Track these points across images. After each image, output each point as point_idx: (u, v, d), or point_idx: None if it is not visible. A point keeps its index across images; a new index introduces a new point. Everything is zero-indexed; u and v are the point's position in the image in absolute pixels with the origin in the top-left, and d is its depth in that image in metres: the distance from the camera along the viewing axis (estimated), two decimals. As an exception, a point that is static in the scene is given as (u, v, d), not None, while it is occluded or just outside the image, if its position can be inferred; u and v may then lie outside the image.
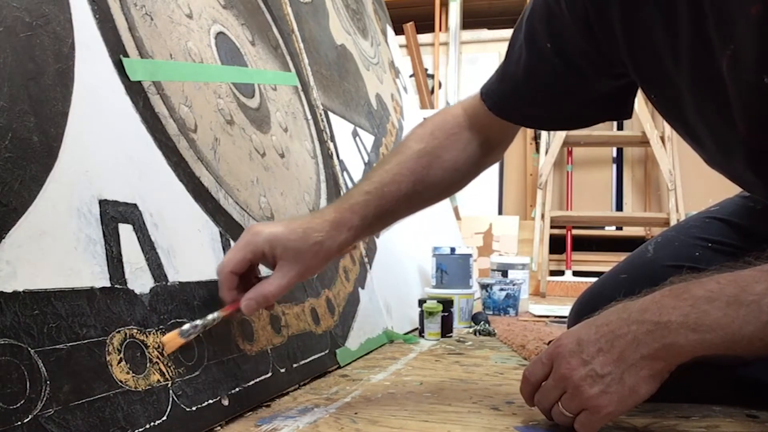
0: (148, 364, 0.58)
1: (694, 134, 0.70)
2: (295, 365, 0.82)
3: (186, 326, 0.63)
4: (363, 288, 1.16)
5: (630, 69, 0.69)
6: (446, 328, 1.29)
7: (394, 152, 0.79)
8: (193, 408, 0.61)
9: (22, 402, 0.45)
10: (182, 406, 0.60)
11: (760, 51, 0.56)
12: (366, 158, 1.44)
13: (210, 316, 0.66)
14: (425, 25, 3.29)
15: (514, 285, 1.69)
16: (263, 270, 0.74)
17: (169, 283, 0.65)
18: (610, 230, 2.97)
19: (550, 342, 0.63)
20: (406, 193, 0.76)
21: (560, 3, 0.70)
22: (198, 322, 0.64)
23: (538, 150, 2.94)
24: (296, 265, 0.69)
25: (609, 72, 0.72)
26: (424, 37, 3.29)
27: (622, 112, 0.78)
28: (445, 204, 2.20)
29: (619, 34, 0.67)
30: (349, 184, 1.28)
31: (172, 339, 0.62)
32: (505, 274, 2.17)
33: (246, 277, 0.70)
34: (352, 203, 0.74)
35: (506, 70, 0.78)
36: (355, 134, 1.42)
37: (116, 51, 0.68)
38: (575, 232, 2.86)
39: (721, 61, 0.59)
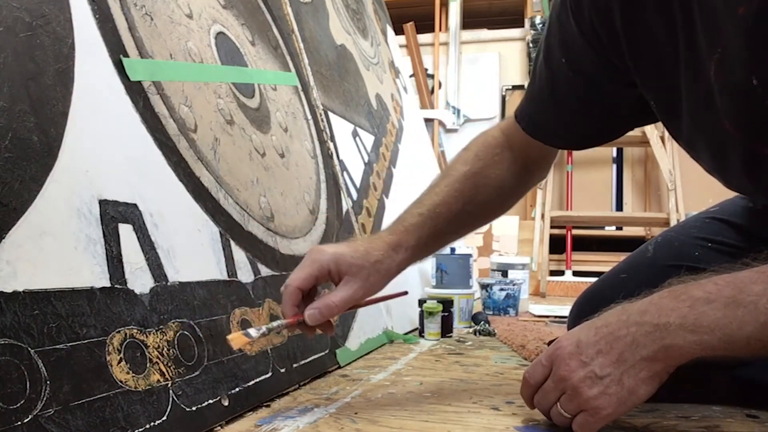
0: (148, 364, 0.58)
1: (691, 142, 0.69)
2: (295, 365, 0.82)
3: (252, 330, 0.65)
4: (363, 288, 1.16)
5: (635, 76, 0.69)
6: (446, 328, 1.29)
7: (442, 176, 0.82)
8: (193, 408, 0.61)
9: (22, 402, 0.45)
10: (182, 406, 0.60)
11: (748, 51, 0.55)
12: (366, 158, 1.44)
13: (275, 323, 0.68)
14: (425, 25, 3.28)
15: (514, 285, 1.69)
16: None
17: (169, 283, 0.65)
18: (610, 230, 2.97)
19: (550, 342, 0.63)
20: (457, 214, 0.79)
21: (569, 17, 0.70)
22: (263, 327, 0.67)
23: (538, 150, 2.93)
24: (359, 281, 0.71)
25: (624, 81, 0.71)
26: (424, 37, 3.29)
27: (651, 118, 0.77)
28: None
29: (623, 42, 0.67)
30: (349, 184, 1.28)
31: (238, 337, 0.64)
32: (505, 274, 2.17)
33: (308, 297, 0.72)
34: (406, 225, 0.77)
35: (532, 90, 0.80)
36: (355, 134, 1.42)
37: (116, 51, 0.68)
38: (575, 232, 2.86)
39: (709, 66, 0.59)
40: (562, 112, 0.77)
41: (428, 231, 0.77)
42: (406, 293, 0.84)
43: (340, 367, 0.95)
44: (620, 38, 0.67)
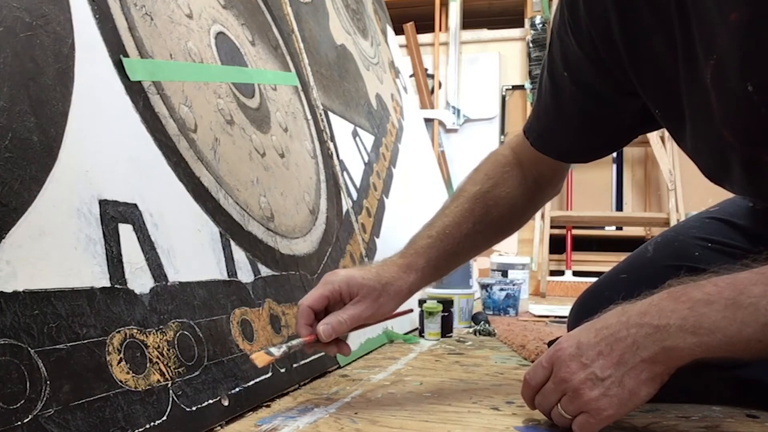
0: (148, 364, 0.58)
1: (695, 150, 0.69)
2: (295, 365, 0.82)
3: (273, 348, 0.68)
4: (363, 288, 1.16)
5: (636, 86, 0.69)
6: (446, 328, 1.29)
7: (454, 197, 0.83)
8: (193, 408, 0.61)
9: (22, 402, 0.45)
10: (182, 406, 0.60)
11: (742, 57, 0.55)
12: (366, 158, 1.44)
13: (295, 341, 0.70)
14: (425, 25, 3.28)
15: (514, 285, 1.69)
16: None
17: (169, 283, 0.65)
18: (610, 230, 2.97)
19: (550, 342, 0.63)
20: (467, 234, 0.80)
21: (567, 30, 0.71)
22: (284, 345, 0.69)
23: (538, 150, 2.93)
24: (368, 301, 0.74)
25: (625, 91, 0.72)
26: (424, 37, 3.29)
27: (657, 124, 0.76)
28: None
29: (622, 53, 0.67)
30: (349, 184, 1.28)
31: (261, 356, 0.66)
32: (505, 274, 2.17)
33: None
34: (417, 248, 0.79)
35: (538, 105, 0.81)
36: (355, 134, 1.42)
37: (116, 51, 0.68)
38: (575, 232, 2.86)
39: (706, 73, 0.59)
40: (567, 126, 0.77)
41: (437, 252, 0.78)
42: (411, 311, 0.85)
43: (340, 367, 0.95)
44: (619, 49, 0.67)
